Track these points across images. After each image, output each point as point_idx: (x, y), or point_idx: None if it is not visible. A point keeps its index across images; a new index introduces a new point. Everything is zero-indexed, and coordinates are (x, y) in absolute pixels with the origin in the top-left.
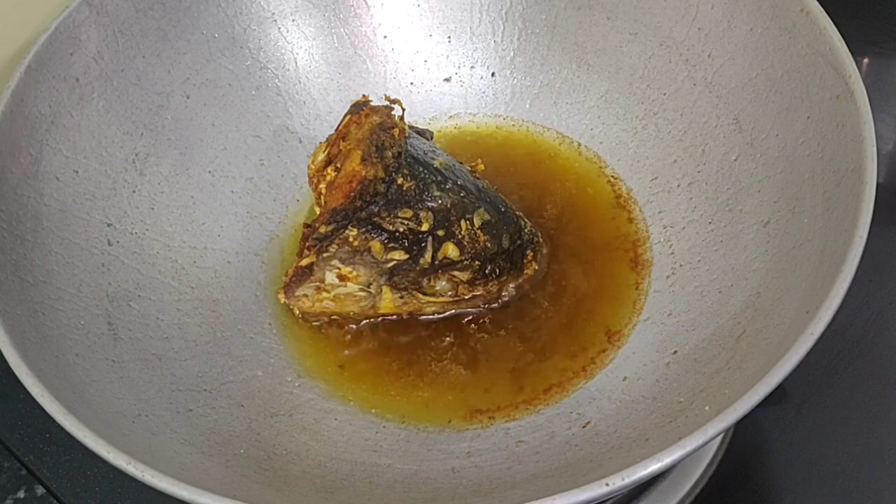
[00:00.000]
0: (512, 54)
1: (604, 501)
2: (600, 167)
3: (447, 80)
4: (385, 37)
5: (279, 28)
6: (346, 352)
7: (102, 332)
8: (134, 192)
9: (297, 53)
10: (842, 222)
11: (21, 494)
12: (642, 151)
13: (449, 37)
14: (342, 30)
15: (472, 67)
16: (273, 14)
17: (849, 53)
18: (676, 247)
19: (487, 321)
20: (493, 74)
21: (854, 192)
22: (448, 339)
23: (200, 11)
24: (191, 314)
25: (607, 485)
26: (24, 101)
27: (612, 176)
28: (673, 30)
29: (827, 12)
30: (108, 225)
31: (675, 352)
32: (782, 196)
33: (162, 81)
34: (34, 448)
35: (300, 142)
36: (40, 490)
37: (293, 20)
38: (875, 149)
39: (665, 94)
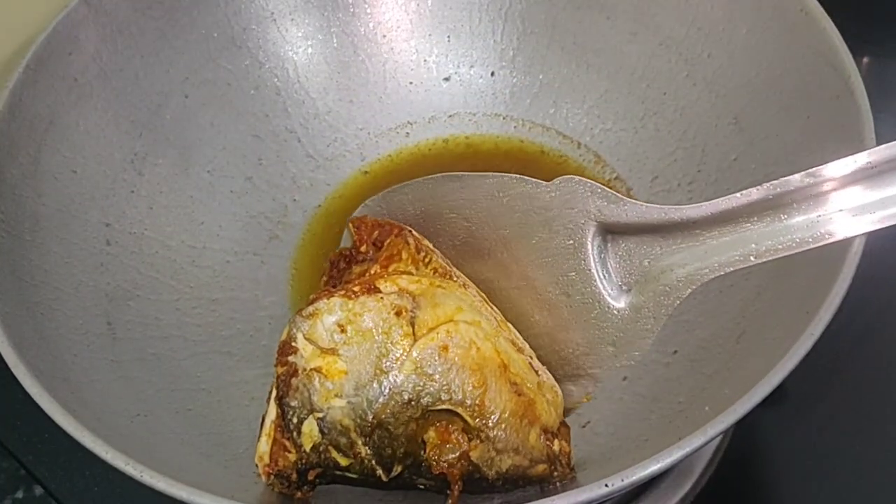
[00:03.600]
0: (511, 54)
1: (603, 502)
2: (601, 167)
3: (446, 79)
4: (384, 36)
5: (278, 27)
6: None
7: (101, 331)
8: (132, 191)
9: (297, 53)
10: None
11: (19, 495)
12: (642, 151)
13: (448, 36)
14: (341, 29)
15: (472, 67)
16: (272, 13)
17: (849, 53)
18: None
19: None
20: (492, 74)
21: None
22: None
23: (199, 11)
24: (189, 314)
25: (607, 486)
26: (22, 100)
27: (613, 177)
28: (672, 29)
29: (827, 12)
30: (107, 225)
31: (675, 352)
32: None
33: (160, 81)
34: (33, 448)
35: (299, 141)
36: (39, 490)
37: (292, 19)
38: None
39: (665, 93)
